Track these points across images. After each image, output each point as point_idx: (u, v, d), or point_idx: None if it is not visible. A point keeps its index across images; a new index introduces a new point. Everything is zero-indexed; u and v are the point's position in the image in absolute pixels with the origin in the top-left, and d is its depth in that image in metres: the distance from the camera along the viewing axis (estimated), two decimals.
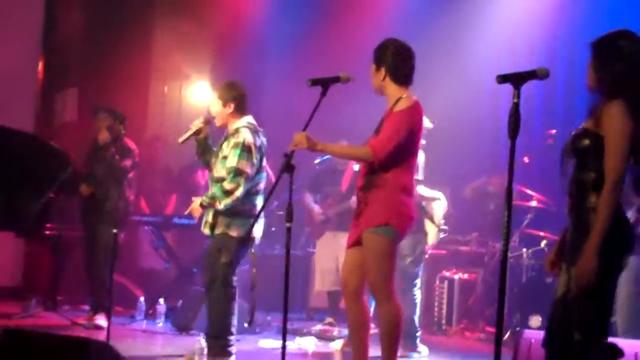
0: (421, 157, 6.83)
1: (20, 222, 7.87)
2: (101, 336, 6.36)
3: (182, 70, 11.08)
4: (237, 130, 6.11)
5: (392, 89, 4.98)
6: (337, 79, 4.79)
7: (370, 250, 4.83)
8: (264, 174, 6.30)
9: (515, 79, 3.45)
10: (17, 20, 10.30)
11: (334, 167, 8.36)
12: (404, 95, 4.93)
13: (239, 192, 5.97)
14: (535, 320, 7.58)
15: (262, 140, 6.22)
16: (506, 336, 7.48)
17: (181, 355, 6.29)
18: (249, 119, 6.22)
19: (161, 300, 8.42)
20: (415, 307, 7.00)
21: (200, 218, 6.31)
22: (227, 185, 5.98)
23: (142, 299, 8.55)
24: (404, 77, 4.99)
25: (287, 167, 4.52)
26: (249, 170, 6.00)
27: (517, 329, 7.30)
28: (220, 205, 5.99)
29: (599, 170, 3.75)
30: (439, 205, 7.22)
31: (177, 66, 11.01)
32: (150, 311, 8.50)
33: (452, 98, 8.75)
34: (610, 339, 4.66)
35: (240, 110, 6.21)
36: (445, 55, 9.48)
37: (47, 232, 8.20)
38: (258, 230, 6.20)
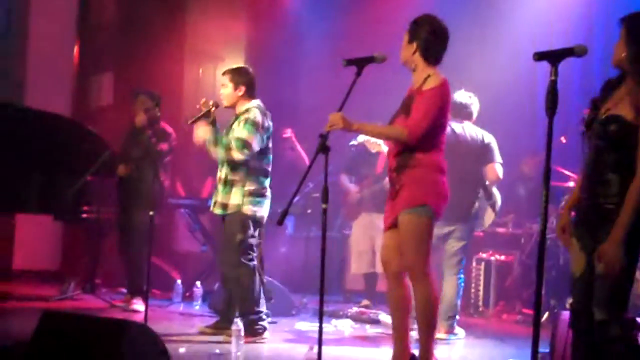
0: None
1: (59, 205, 7.94)
2: (139, 318, 6.39)
3: (216, 52, 11.08)
4: (247, 110, 6.41)
5: (421, 66, 4.95)
6: (371, 59, 4.74)
7: (407, 230, 4.80)
8: (271, 157, 6.55)
9: (553, 57, 3.41)
10: (53, 5, 10.36)
11: (369, 149, 8.29)
12: (432, 73, 4.89)
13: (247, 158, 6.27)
14: None
15: (269, 123, 6.48)
16: (544, 318, 7.41)
17: (218, 338, 6.31)
18: (258, 101, 6.53)
19: (198, 283, 8.46)
20: (459, 290, 6.97)
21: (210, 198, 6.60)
22: (235, 154, 6.25)
23: (179, 281, 8.60)
24: (435, 57, 4.96)
25: (323, 148, 4.49)
26: (254, 145, 6.28)
27: (555, 310, 7.23)
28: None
29: (624, 155, 3.71)
30: (497, 190, 7.16)
31: (212, 48, 11.00)
32: (187, 294, 8.55)
33: (489, 77, 8.67)
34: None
35: (249, 94, 6.50)
36: (481, 34, 9.40)
37: (85, 215, 8.25)
38: (265, 210, 6.49)
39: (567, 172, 8.19)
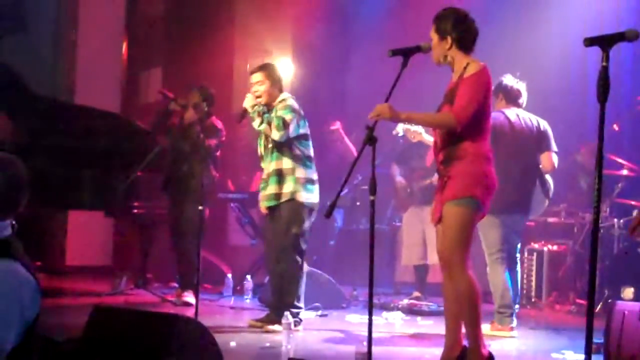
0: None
1: (110, 201, 8.02)
2: (189, 313, 6.43)
3: (264, 46, 11.08)
4: (283, 100, 6.55)
5: (459, 57, 4.90)
6: (417, 49, 4.69)
7: (451, 221, 4.73)
8: (311, 143, 6.64)
9: (603, 42, 3.33)
10: (101, 2, 10.45)
11: (410, 139, 8.23)
12: (470, 61, 4.84)
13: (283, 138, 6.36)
14: (628, 292, 7.39)
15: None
16: (598, 308, 7.30)
17: (268, 331, 6.32)
18: (288, 94, 6.72)
19: (248, 277, 8.49)
20: (517, 281, 6.93)
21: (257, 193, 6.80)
22: (274, 133, 6.34)
23: (229, 275, 8.64)
24: (471, 44, 4.92)
25: (370, 139, 4.46)
26: (292, 127, 6.39)
27: (609, 300, 7.12)
28: (271, 133, 6.35)
29: None
30: (549, 177, 7.04)
31: (259, 43, 11.01)
32: (238, 287, 8.59)
33: (539, 63, 8.57)
34: None
35: (280, 88, 6.67)
36: (530, 20, 9.29)
37: (136, 211, 8.31)
38: (317, 196, 6.57)
39: (620, 160, 8.07)
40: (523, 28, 9.15)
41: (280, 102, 6.53)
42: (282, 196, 6.43)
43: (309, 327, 6.69)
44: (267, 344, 5.95)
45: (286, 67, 11.18)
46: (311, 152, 6.60)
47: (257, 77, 6.58)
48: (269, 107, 6.55)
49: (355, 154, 5.03)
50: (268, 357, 5.67)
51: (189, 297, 7.66)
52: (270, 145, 6.51)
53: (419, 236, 8.37)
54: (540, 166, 6.83)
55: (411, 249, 8.53)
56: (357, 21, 11.16)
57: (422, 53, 4.73)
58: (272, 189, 6.49)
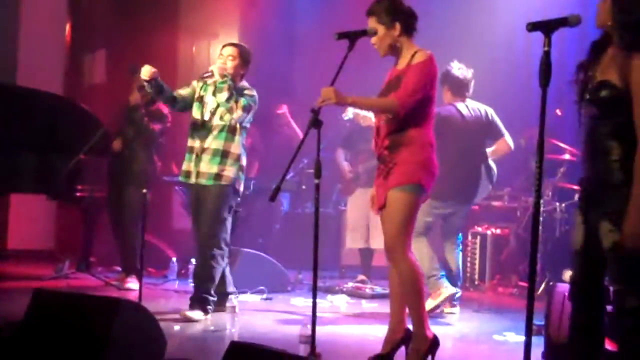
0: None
1: (53, 184, 7.90)
2: (133, 297, 6.38)
3: (210, 28, 11.00)
4: (250, 89, 6.45)
5: (407, 44, 4.88)
6: (363, 33, 4.70)
7: (396, 206, 4.74)
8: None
9: (546, 27, 3.36)
10: None
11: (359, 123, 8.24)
12: (418, 50, 4.83)
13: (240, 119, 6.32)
14: (569, 274, 7.48)
15: None
16: (539, 290, 7.42)
17: (214, 315, 6.30)
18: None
19: (193, 261, 8.43)
20: (460, 264, 7.04)
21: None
22: (237, 111, 6.27)
23: (174, 259, 8.59)
24: (415, 27, 4.91)
25: (315, 123, 4.46)
26: (250, 115, 6.38)
27: (551, 283, 7.22)
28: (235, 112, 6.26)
29: (619, 123, 3.63)
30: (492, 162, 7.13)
31: (205, 25, 10.93)
32: (183, 271, 8.55)
33: (484, 49, 8.63)
34: None
35: (244, 74, 6.54)
36: (476, 5, 9.35)
37: (79, 194, 8.21)
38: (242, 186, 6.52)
39: (562, 145, 8.16)
40: (469, 12, 9.20)
41: (247, 89, 6.41)
42: (223, 178, 6.28)
43: (254, 310, 6.69)
44: (212, 328, 5.94)
45: None
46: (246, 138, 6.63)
47: (230, 50, 6.43)
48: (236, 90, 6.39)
49: (302, 137, 5.03)
50: (212, 340, 5.65)
51: (132, 282, 7.61)
52: (221, 123, 6.32)
53: (363, 220, 8.39)
54: (490, 151, 6.96)
55: (355, 233, 8.56)
56: (305, 3, 11.13)
57: (368, 37, 4.73)
58: (213, 168, 6.28)
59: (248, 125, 6.50)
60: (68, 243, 9.55)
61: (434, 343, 4.80)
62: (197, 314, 6.18)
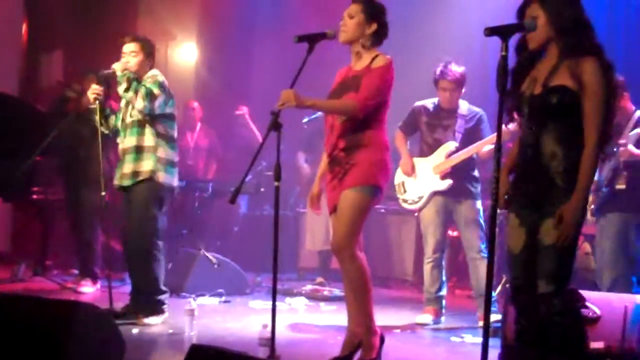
0: None
1: (7, 186, 7.80)
2: (90, 299, 6.33)
3: (168, 30, 10.96)
4: (154, 75, 6.24)
5: (370, 47, 4.93)
6: (323, 36, 4.72)
7: (349, 206, 4.79)
8: (176, 125, 6.35)
9: (503, 32, 3.41)
10: None
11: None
12: (379, 54, 4.89)
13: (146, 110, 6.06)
14: None
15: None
16: (496, 292, 7.48)
17: (172, 319, 6.26)
18: (158, 71, 6.37)
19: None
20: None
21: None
22: (138, 101, 6.03)
23: None
24: (381, 41, 4.97)
25: (274, 126, 4.47)
26: (158, 101, 6.06)
27: (507, 285, 7.29)
28: (136, 101, 6.04)
29: (568, 126, 3.75)
30: None
31: (163, 26, 10.88)
32: None
33: (442, 52, 8.68)
34: (599, 294, 4.67)
35: (152, 65, 6.35)
36: (429, 11, 9.42)
37: (34, 197, 8.13)
38: (177, 180, 6.32)
39: None
40: (424, 19, 9.27)
41: (150, 77, 6.20)
42: (140, 174, 6.09)
43: (213, 312, 6.68)
44: (170, 331, 5.91)
45: (191, 51, 11.09)
46: (175, 134, 6.31)
47: (131, 47, 6.26)
48: (138, 81, 6.18)
49: (261, 139, 5.01)
50: (171, 343, 5.63)
51: (87, 285, 7.54)
52: (131, 119, 6.16)
53: (322, 222, 8.40)
54: None
55: (315, 235, 8.58)
56: (263, 6, 11.12)
57: (327, 40, 4.75)
58: (129, 167, 6.12)
59: (168, 111, 6.22)
60: (24, 246, 9.44)
61: (382, 340, 4.93)
62: (153, 320, 6.11)
